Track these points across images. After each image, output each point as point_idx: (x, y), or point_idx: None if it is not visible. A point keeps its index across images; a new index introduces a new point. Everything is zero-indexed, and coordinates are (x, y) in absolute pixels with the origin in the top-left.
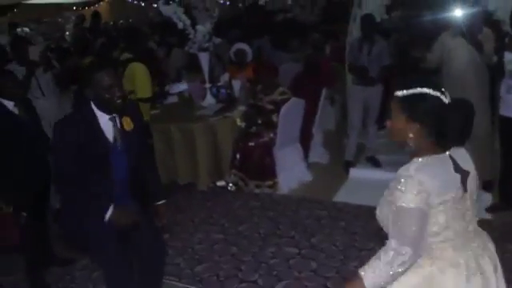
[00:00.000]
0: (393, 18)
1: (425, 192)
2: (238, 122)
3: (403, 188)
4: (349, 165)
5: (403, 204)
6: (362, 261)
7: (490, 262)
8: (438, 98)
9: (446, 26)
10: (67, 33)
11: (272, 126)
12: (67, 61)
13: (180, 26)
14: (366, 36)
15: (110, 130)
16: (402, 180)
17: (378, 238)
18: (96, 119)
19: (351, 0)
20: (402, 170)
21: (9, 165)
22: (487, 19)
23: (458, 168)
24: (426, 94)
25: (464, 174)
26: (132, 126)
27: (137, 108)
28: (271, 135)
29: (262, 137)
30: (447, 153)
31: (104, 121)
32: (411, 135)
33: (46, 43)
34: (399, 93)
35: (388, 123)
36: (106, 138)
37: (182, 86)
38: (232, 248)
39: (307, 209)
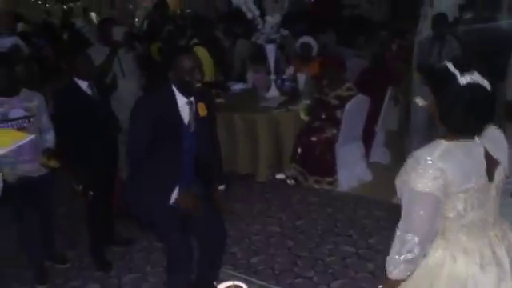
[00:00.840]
0: (465, 19)
1: (444, 180)
2: (302, 115)
3: (421, 171)
4: None
5: (417, 187)
6: None
7: (507, 253)
8: (453, 74)
9: None
10: (136, 19)
11: (335, 122)
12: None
13: (249, 16)
14: (437, 35)
15: (186, 113)
16: (422, 162)
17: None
18: (175, 100)
19: None
20: (424, 152)
21: (80, 144)
22: None
23: (487, 156)
24: (447, 69)
25: (492, 163)
26: (206, 112)
27: (212, 97)
28: (334, 131)
29: (325, 132)
30: (477, 139)
31: (182, 103)
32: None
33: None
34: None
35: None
36: (181, 119)
37: (242, 85)
38: (288, 242)
39: (366, 208)
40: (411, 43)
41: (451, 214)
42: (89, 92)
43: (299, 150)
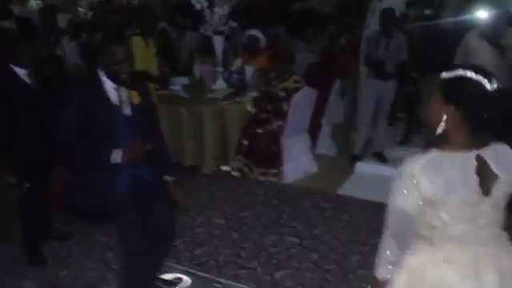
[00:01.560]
0: (412, 15)
1: (419, 192)
2: (248, 107)
3: (398, 184)
4: (355, 159)
5: (393, 199)
6: (364, 255)
7: (493, 272)
8: (478, 82)
9: (470, 26)
10: (80, 8)
11: (282, 114)
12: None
13: (197, 6)
14: (384, 30)
15: (114, 96)
16: (402, 173)
17: (381, 234)
18: (101, 84)
19: None
20: (409, 161)
21: (14, 134)
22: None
23: (482, 170)
24: (467, 77)
25: (489, 177)
26: (139, 100)
27: (146, 87)
28: (280, 123)
29: (271, 124)
30: (474, 152)
31: (109, 87)
32: (445, 117)
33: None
34: (442, 74)
35: (424, 105)
36: (109, 100)
37: (185, 80)
38: (233, 234)
39: (311, 200)
40: (360, 37)
41: (437, 223)
42: (26, 80)
43: (245, 142)
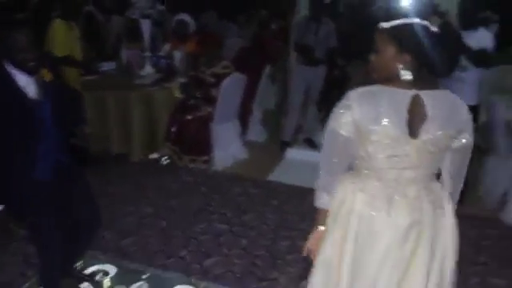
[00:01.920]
0: (341, 1)
1: (351, 116)
2: (177, 93)
3: (336, 109)
4: (285, 145)
5: (329, 124)
6: (293, 240)
7: (404, 216)
8: (426, 26)
9: (396, 15)
10: None
11: (211, 100)
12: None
13: None
14: (313, 16)
15: (30, 85)
16: (341, 100)
17: (310, 219)
18: (10, 76)
19: None
20: (347, 92)
21: None
22: (435, 9)
23: (414, 109)
24: (415, 24)
25: (419, 118)
26: (51, 77)
27: (56, 66)
28: (209, 109)
29: (200, 110)
30: (413, 90)
31: (22, 80)
32: (401, 66)
33: None
34: (386, 24)
35: (372, 57)
36: (23, 93)
37: (112, 65)
38: (161, 222)
39: (240, 186)
40: (291, 23)
41: (362, 152)
42: None
43: (173, 129)
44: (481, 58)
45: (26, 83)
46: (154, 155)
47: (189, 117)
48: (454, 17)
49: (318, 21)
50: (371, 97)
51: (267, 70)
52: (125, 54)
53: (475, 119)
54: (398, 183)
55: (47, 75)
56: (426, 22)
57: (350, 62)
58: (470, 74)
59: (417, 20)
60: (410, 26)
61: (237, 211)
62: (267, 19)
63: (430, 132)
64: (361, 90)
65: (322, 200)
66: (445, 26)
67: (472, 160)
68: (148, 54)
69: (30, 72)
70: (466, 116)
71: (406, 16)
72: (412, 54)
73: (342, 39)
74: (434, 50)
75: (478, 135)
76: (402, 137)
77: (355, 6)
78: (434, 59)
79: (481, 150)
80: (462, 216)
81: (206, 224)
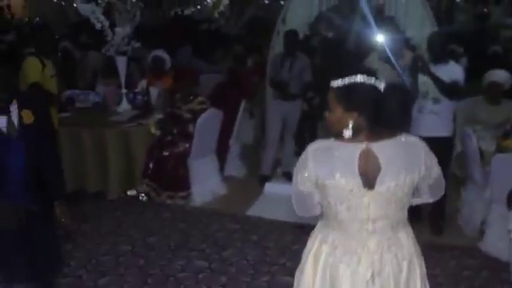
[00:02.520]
0: (315, 37)
1: (308, 173)
2: (153, 130)
3: (297, 163)
4: (264, 179)
5: (293, 177)
6: (273, 276)
7: (366, 268)
8: (372, 85)
9: (370, 50)
10: None
11: (188, 136)
12: None
13: (98, 26)
14: (288, 52)
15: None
16: (302, 154)
17: (290, 253)
18: None
19: (276, 15)
20: (311, 144)
21: None
22: (407, 44)
23: (365, 161)
24: (360, 84)
25: (372, 169)
26: (32, 119)
27: (42, 103)
28: (186, 145)
29: (177, 146)
30: (364, 143)
31: None
32: (350, 124)
33: None
34: (334, 83)
35: (327, 115)
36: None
37: (95, 97)
38: (139, 260)
39: (220, 222)
40: (267, 58)
41: (325, 204)
42: None
43: (151, 165)
44: (453, 91)
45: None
46: (132, 192)
47: (166, 153)
48: (424, 51)
49: (292, 56)
50: (325, 152)
51: (243, 104)
52: (101, 90)
53: (450, 150)
54: (360, 235)
55: (28, 118)
56: (372, 81)
57: (324, 96)
58: (444, 106)
59: (364, 78)
60: (356, 85)
61: (216, 247)
62: (243, 55)
63: (385, 183)
64: (316, 145)
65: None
66: (415, 59)
67: (449, 190)
68: (124, 90)
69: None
70: (423, 153)
71: (380, 48)
72: (359, 112)
73: (316, 74)
74: (381, 106)
75: (454, 165)
76: (356, 189)
77: (329, 41)
78: (383, 115)
79: (458, 180)
80: (441, 246)
81: (185, 261)
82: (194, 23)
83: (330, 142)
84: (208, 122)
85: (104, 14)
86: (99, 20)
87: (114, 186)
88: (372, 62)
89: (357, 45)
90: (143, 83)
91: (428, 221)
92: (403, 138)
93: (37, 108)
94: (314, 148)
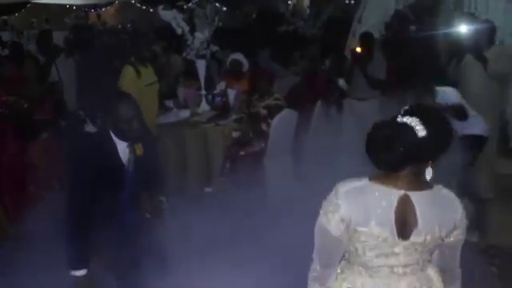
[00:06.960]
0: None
1: (339, 216)
2: (234, 134)
3: (325, 203)
4: None
5: (319, 218)
6: None
7: None
8: (411, 127)
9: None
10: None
11: (263, 135)
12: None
13: (178, 31)
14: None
15: (125, 155)
16: (331, 193)
17: None
18: (113, 144)
19: (353, 14)
20: (340, 184)
21: None
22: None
23: (402, 212)
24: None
25: (409, 221)
26: (142, 150)
27: (152, 137)
28: (263, 145)
29: (253, 146)
30: (403, 191)
31: (121, 147)
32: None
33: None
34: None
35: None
36: (121, 164)
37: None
38: None
39: None
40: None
41: (352, 249)
42: None
43: (227, 164)
44: (460, 113)
45: (122, 151)
46: (209, 189)
47: (242, 152)
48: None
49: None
50: (360, 194)
51: (318, 104)
52: (182, 92)
53: None
54: (389, 279)
55: (140, 150)
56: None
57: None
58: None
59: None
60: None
61: None
62: (318, 55)
63: (421, 235)
64: (349, 185)
65: None
66: None
67: None
68: (204, 92)
69: (129, 140)
70: (460, 214)
71: None
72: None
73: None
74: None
75: None
76: (390, 238)
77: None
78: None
79: None
80: None
81: None
82: (273, 26)
83: (365, 183)
84: (283, 121)
85: (185, 19)
86: (180, 25)
87: (192, 183)
88: (470, 62)
89: (445, 45)
90: (222, 85)
91: None
92: (442, 190)
93: (147, 140)
94: (347, 187)
